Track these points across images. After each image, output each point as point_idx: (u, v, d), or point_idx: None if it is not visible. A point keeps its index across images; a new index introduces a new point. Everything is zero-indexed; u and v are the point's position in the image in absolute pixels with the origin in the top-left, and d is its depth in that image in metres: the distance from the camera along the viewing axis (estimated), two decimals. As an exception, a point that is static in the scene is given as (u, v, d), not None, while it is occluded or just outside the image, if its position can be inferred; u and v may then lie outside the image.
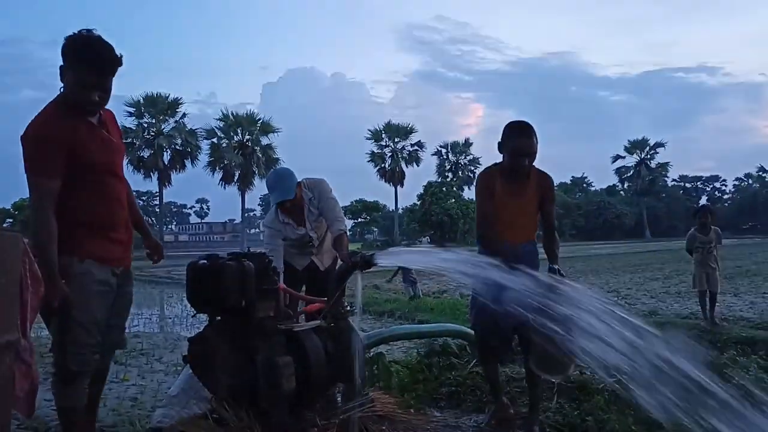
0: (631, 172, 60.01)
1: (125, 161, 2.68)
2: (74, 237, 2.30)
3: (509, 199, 2.92)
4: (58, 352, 2.33)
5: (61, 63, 2.23)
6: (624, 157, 59.98)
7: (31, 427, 3.02)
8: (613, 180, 64.92)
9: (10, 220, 41.94)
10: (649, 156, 59.11)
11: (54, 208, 2.22)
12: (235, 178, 39.12)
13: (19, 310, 1.88)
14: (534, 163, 2.91)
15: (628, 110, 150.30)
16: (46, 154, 2.21)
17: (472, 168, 52.10)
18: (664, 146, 59.35)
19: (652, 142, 58.94)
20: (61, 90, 2.29)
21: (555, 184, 3.11)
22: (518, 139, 2.86)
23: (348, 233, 3.55)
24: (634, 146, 59.18)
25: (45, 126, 2.24)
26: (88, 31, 2.25)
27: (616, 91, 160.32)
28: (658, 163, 59.41)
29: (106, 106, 2.43)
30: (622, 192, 68.97)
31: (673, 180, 72.93)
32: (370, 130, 47.24)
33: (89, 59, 2.20)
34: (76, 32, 2.23)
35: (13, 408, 1.97)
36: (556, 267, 2.71)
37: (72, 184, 2.27)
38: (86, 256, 2.32)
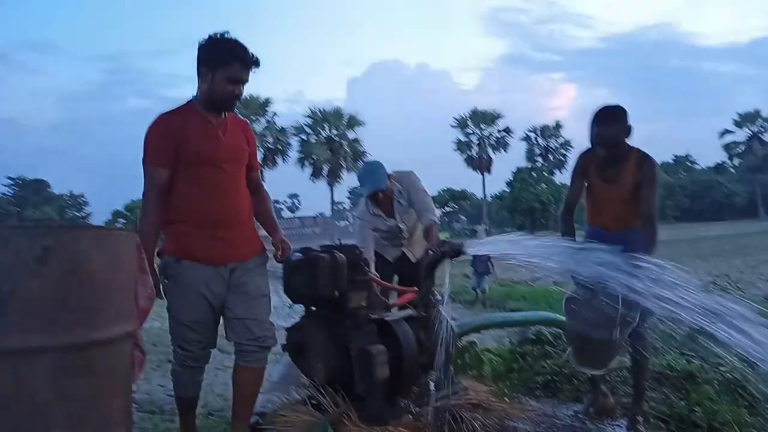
0: (742, 148, 55.49)
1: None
2: (174, 235, 2.42)
3: (601, 185, 2.82)
4: (173, 346, 2.54)
5: (199, 65, 2.39)
6: (733, 132, 55.58)
7: (148, 410, 3.28)
8: (722, 157, 60.45)
9: (122, 221, 45.40)
10: (762, 129, 54.34)
11: (161, 199, 2.37)
12: (324, 172, 40.15)
13: (135, 303, 2.05)
14: (635, 144, 2.77)
15: (736, 81, 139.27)
16: (155, 143, 2.37)
17: (563, 151, 50.35)
18: (778, 117, 54.30)
19: (765, 114, 54.15)
20: (196, 94, 2.45)
21: (660, 163, 2.92)
22: (599, 127, 2.75)
23: (438, 223, 3.57)
24: (745, 120, 54.58)
25: (159, 119, 2.42)
26: (223, 34, 2.40)
27: (723, 62, 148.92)
28: (773, 136, 54.49)
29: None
30: (732, 169, 63.99)
31: (791, 154, 66.54)
32: (455, 118, 46.78)
33: (241, 57, 2.37)
34: (214, 35, 2.39)
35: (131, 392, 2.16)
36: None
37: (177, 179, 2.39)
38: (183, 256, 2.40)
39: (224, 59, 2.35)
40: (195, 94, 2.46)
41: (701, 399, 2.79)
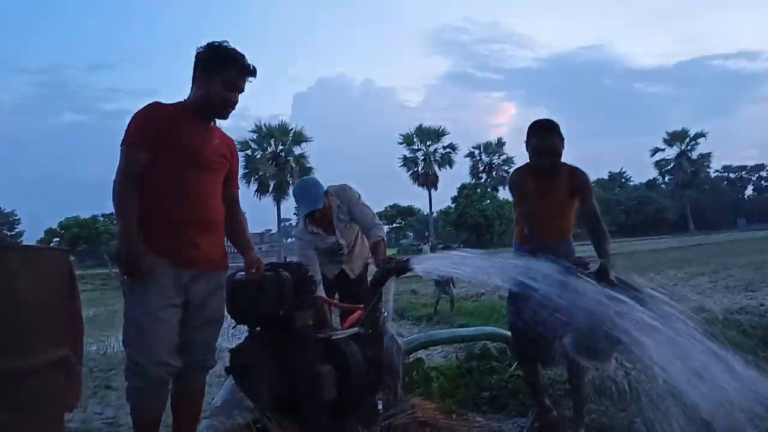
0: (672, 165, 58.45)
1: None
2: (148, 230, 2.26)
3: (540, 199, 2.91)
4: (128, 359, 2.26)
5: (195, 71, 2.37)
6: (663, 150, 58.57)
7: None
8: (653, 174, 63.46)
9: (57, 239, 43.43)
10: (689, 147, 57.46)
11: (136, 183, 2.24)
12: (270, 188, 39.70)
13: (69, 326, 1.95)
14: (567, 161, 2.89)
15: (665, 101, 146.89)
16: (140, 125, 2.28)
17: (506, 168, 51.63)
18: (705, 136, 57.58)
19: (692, 133, 57.34)
20: (189, 98, 2.40)
21: (592, 181, 3.05)
22: (538, 138, 2.84)
23: (385, 240, 3.53)
24: (674, 138, 57.63)
25: (154, 106, 2.35)
26: (222, 42, 2.40)
27: (652, 82, 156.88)
28: (700, 154, 57.66)
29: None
30: (663, 185, 67.24)
31: (716, 171, 70.75)
32: (401, 135, 47.31)
33: (241, 65, 2.36)
34: (213, 42, 2.39)
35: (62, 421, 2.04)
36: (605, 263, 2.63)
37: (155, 172, 2.27)
38: (155, 253, 2.24)
39: (222, 65, 2.34)
40: (187, 98, 2.41)
41: (640, 410, 2.88)
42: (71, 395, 2.00)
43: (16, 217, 66.32)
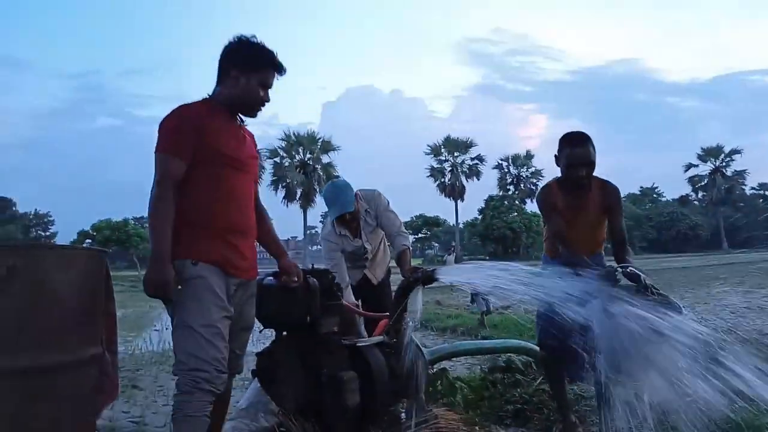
0: (706, 181, 57.21)
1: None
2: (188, 237, 2.10)
3: (570, 213, 2.86)
4: (189, 372, 2.05)
5: (227, 66, 2.25)
6: (697, 166, 57.36)
7: (112, 438, 3.16)
8: (686, 190, 62.17)
9: (89, 241, 44.39)
10: (724, 163, 56.20)
11: (175, 193, 2.08)
12: (297, 196, 40.09)
13: (103, 325, 2.00)
14: (597, 174, 2.84)
15: (700, 116, 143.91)
16: (176, 132, 2.13)
17: (534, 180, 51.23)
18: (740, 153, 56.30)
19: (727, 149, 56.08)
20: (215, 92, 2.29)
21: (622, 195, 3.00)
22: (573, 149, 2.78)
23: (410, 249, 3.53)
24: (708, 154, 56.46)
25: (183, 109, 2.21)
26: (253, 37, 2.29)
27: (686, 97, 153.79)
28: (735, 170, 56.39)
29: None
30: (696, 202, 65.81)
31: (752, 188, 68.70)
32: (429, 146, 47.36)
33: (275, 63, 2.28)
34: (244, 37, 2.28)
35: (96, 418, 2.09)
36: (629, 266, 2.58)
37: (195, 178, 2.14)
38: (200, 259, 2.10)
39: (260, 64, 2.25)
40: (212, 94, 2.30)
41: (668, 428, 2.82)
42: (106, 391, 2.05)
43: (51, 219, 68.35)
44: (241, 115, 2.33)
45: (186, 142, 2.11)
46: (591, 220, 2.88)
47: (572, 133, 2.87)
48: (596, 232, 2.92)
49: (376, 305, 3.39)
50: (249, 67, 2.23)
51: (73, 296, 1.76)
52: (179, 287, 2.04)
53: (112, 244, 43.85)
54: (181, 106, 2.22)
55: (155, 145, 2.15)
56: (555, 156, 2.87)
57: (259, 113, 2.34)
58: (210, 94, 2.30)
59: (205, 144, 2.13)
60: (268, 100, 2.31)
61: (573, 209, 2.87)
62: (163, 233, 2.02)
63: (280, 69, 2.30)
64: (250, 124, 2.42)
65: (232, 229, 2.21)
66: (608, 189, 2.87)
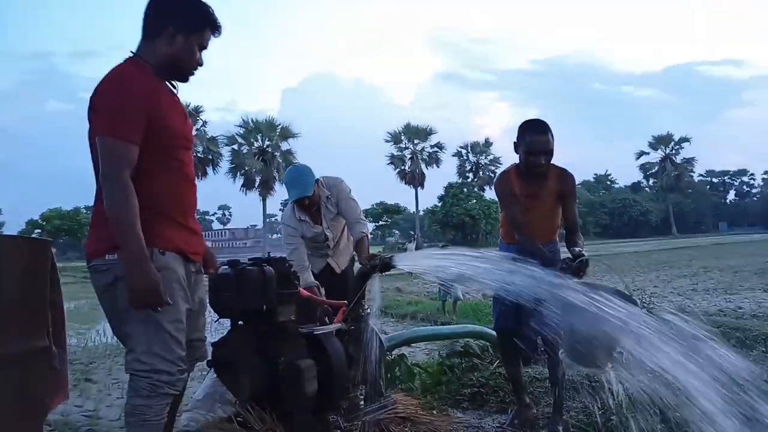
0: (656, 169, 59.13)
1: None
2: (149, 225, 1.86)
3: (527, 200, 2.90)
4: (136, 363, 1.88)
5: (162, 23, 1.96)
6: (648, 153, 59.23)
7: (63, 432, 3.09)
8: (638, 177, 64.19)
9: (38, 231, 42.89)
10: (674, 151, 58.17)
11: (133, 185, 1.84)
12: (256, 183, 39.53)
13: (48, 317, 1.94)
14: (553, 161, 2.89)
15: (652, 106, 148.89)
16: (127, 112, 1.84)
17: (493, 168, 51.84)
18: (689, 141, 58.41)
19: (677, 138, 58.02)
20: (141, 50, 1.99)
21: (577, 182, 3.06)
22: (533, 136, 2.81)
23: (369, 236, 3.54)
24: (659, 142, 58.29)
25: (127, 80, 1.88)
26: None
27: (640, 87, 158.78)
28: (684, 158, 58.46)
29: None
30: (647, 189, 68.01)
31: (700, 175, 71.69)
32: (389, 133, 47.30)
33: (216, 24, 2.04)
34: None
35: (43, 414, 2.03)
36: (578, 249, 2.63)
37: (148, 160, 1.90)
38: (168, 248, 1.92)
39: (201, 24, 2.01)
40: (139, 52, 1.99)
41: (618, 408, 2.92)
42: (56, 387, 1.98)
43: (-3, 208, 65.53)
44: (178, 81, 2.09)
45: (138, 123, 1.84)
46: (548, 208, 2.93)
47: (532, 120, 2.90)
48: (552, 219, 2.98)
49: (340, 294, 3.39)
50: (189, 26, 1.98)
51: (15, 288, 1.69)
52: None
53: (62, 234, 42.50)
54: (122, 77, 1.90)
55: (97, 125, 1.86)
56: (514, 143, 2.90)
57: (190, 77, 2.10)
58: (135, 51, 2.00)
59: (156, 124, 1.89)
60: (202, 64, 2.07)
61: (530, 197, 2.90)
62: (135, 230, 1.78)
63: (218, 29, 2.07)
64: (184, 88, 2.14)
65: (190, 212, 2.08)
66: (564, 177, 2.91)
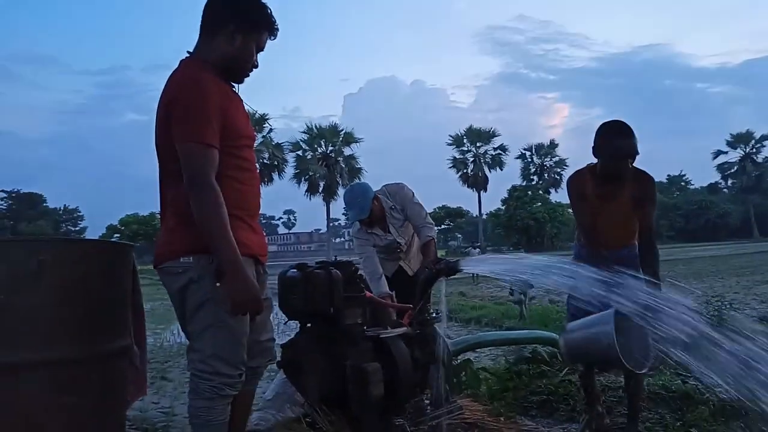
0: (735, 168, 55.95)
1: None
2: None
3: (600, 203, 2.76)
4: (200, 364, 1.86)
5: (224, 21, 1.92)
6: (726, 153, 56.12)
7: (141, 428, 3.24)
8: (715, 177, 60.89)
9: (117, 235, 45.26)
10: (754, 150, 54.84)
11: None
12: (320, 188, 40.22)
13: (131, 318, 2.04)
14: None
15: (729, 102, 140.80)
16: (209, 119, 1.81)
17: (558, 170, 50.59)
18: (771, 139, 54.86)
19: (757, 135, 54.69)
20: (203, 49, 1.95)
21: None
22: (618, 140, 2.64)
23: (435, 239, 3.56)
24: (738, 140, 55.13)
25: (204, 86, 1.84)
26: None
27: (715, 83, 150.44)
28: (766, 157, 54.99)
29: None
30: (725, 189, 64.42)
31: (784, 174, 67.02)
32: (451, 136, 47.03)
33: (273, 23, 2.00)
34: None
35: (124, 409, 2.13)
36: (649, 274, 2.53)
37: (221, 163, 1.85)
38: (243, 252, 1.84)
39: (261, 24, 1.97)
40: (200, 52, 1.96)
41: (697, 420, 2.78)
42: (135, 384, 2.08)
43: (80, 214, 69.79)
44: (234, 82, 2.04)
45: (217, 128, 1.83)
46: (623, 211, 2.76)
47: (614, 123, 2.72)
48: (628, 222, 2.81)
49: (411, 296, 3.42)
50: (249, 26, 1.93)
51: (101, 290, 1.79)
52: (218, 284, 1.81)
53: (139, 239, 44.66)
54: (200, 83, 1.85)
55: (182, 133, 1.81)
56: (593, 147, 2.73)
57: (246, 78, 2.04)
58: (193, 51, 1.97)
59: (228, 126, 1.87)
60: (257, 66, 2.02)
61: (603, 198, 2.76)
62: (229, 238, 1.76)
63: (275, 31, 2.03)
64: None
65: (256, 213, 2.05)
66: (643, 179, 2.74)
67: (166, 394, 4.15)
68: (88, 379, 1.72)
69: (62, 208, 68.99)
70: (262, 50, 2.00)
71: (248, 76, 2.02)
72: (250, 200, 1.99)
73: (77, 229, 67.35)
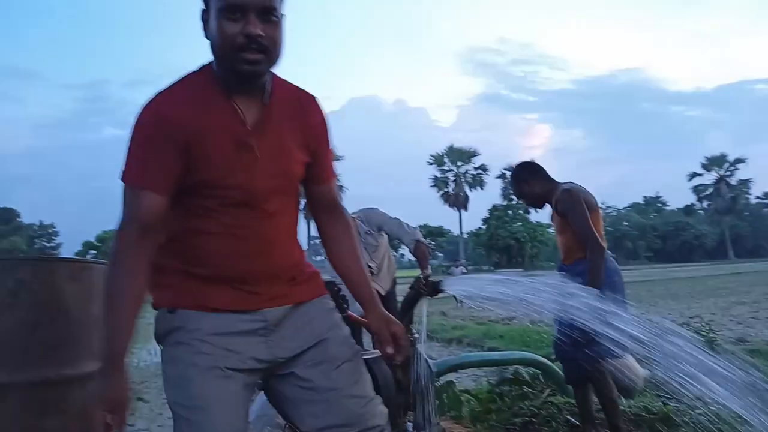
0: (710, 190, 57.17)
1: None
2: (173, 282, 1.37)
3: (554, 224, 3.04)
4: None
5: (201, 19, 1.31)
6: (701, 175, 57.42)
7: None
8: (691, 199, 62.11)
9: (94, 252, 44.59)
10: (728, 173, 56.24)
11: (148, 241, 1.29)
12: (300, 207, 40.13)
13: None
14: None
15: (704, 126, 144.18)
16: (148, 149, 1.27)
17: (539, 190, 51.19)
18: (744, 162, 56.45)
19: (731, 158, 56.14)
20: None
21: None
22: (511, 183, 3.14)
23: (423, 241, 3.63)
24: (712, 163, 56.50)
25: (159, 105, 1.30)
26: None
27: (690, 106, 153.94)
28: (739, 179, 56.44)
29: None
30: (701, 211, 65.68)
31: (757, 197, 68.62)
32: (432, 155, 47.43)
33: None
34: None
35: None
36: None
37: (183, 207, 1.33)
38: (184, 305, 1.36)
39: None
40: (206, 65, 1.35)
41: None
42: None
43: (55, 230, 68.61)
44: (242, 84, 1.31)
45: (163, 168, 1.28)
46: (559, 228, 2.98)
47: (514, 168, 3.19)
48: (569, 240, 2.92)
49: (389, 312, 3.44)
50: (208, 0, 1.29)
51: (81, 309, 1.76)
52: (160, 347, 1.45)
53: (116, 255, 43.99)
54: (161, 99, 1.31)
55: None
56: None
57: (258, 67, 1.27)
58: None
59: (195, 169, 1.30)
60: (253, 34, 1.22)
61: (552, 220, 3.06)
62: (112, 324, 1.33)
63: None
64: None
65: (245, 279, 1.40)
66: (560, 197, 2.90)
67: (143, 415, 4.06)
68: (67, 402, 1.68)
69: (37, 224, 67.83)
70: (244, 9, 1.22)
71: (249, 61, 1.24)
72: (231, 267, 1.36)
73: (51, 245, 66.19)
